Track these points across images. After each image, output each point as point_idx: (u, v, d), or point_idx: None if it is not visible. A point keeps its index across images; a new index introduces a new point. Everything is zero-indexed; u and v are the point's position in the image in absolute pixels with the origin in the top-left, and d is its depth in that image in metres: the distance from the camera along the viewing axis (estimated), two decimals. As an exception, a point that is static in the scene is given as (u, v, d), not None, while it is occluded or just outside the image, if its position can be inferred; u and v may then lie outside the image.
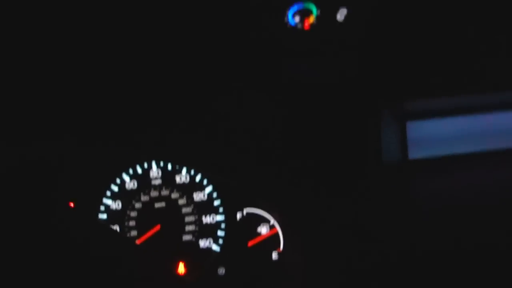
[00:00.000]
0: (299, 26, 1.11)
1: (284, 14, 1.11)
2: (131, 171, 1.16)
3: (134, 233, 1.17)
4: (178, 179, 1.17)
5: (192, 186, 1.17)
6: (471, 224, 1.10)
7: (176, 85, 1.11)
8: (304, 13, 1.09)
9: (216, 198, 1.16)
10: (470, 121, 1.18)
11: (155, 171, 1.16)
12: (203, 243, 1.17)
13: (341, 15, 1.10)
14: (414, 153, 1.19)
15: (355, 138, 1.10)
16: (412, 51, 1.11)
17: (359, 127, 1.11)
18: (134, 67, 1.10)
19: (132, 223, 1.17)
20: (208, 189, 1.16)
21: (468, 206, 1.13)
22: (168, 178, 1.16)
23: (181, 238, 1.17)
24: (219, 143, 1.10)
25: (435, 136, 1.19)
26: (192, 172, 1.16)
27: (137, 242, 1.16)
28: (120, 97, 1.10)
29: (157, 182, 1.16)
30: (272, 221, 1.16)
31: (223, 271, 1.16)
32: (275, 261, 1.16)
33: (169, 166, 1.16)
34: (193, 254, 1.16)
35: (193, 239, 1.17)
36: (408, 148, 1.19)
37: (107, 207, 1.16)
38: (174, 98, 1.10)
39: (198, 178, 1.16)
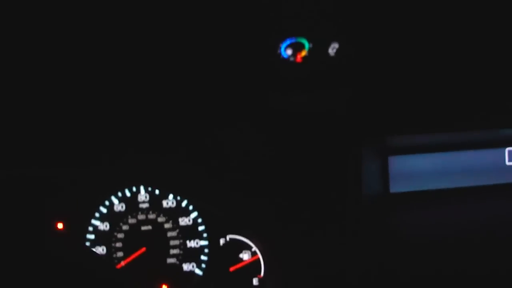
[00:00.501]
0: (291, 59, 1.14)
1: (277, 47, 1.15)
2: (120, 194, 1.20)
3: (120, 254, 1.20)
4: (165, 203, 1.20)
5: (178, 211, 1.20)
6: (450, 258, 1.13)
7: (165, 113, 1.14)
8: (297, 47, 1.13)
9: (201, 224, 1.20)
10: (450, 158, 1.21)
11: (143, 195, 1.20)
12: (186, 266, 1.20)
13: (332, 49, 1.14)
14: (396, 187, 1.22)
15: (336, 171, 1.14)
16: (396, 89, 1.15)
17: (341, 161, 1.14)
18: (123, 92, 1.13)
19: (118, 244, 1.20)
20: (193, 214, 1.20)
21: (448, 240, 1.16)
22: (155, 202, 1.20)
23: (166, 261, 1.20)
24: (204, 171, 1.14)
25: (416, 171, 1.22)
26: (179, 197, 1.20)
27: (123, 263, 1.20)
28: (112, 121, 1.14)
29: (145, 205, 1.20)
30: (254, 248, 1.19)
31: (205, 295, 1.19)
32: (256, 286, 1.19)
33: (157, 191, 1.20)
34: (176, 277, 1.20)
35: (177, 263, 1.20)
36: (390, 182, 1.22)
37: (95, 227, 1.20)
38: (163, 125, 1.14)
39: (184, 203, 1.20)
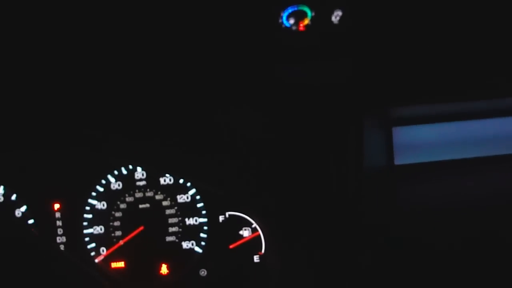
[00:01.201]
0: (294, 28, 1.11)
1: (278, 16, 1.11)
2: (116, 172, 1.18)
3: (118, 233, 1.19)
4: (162, 181, 1.18)
5: (176, 188, 1.18)
6: (455, 228, 1.10)
7: (163, 91, 1.11)
8: (299, 15, 1.09)
9: (199, 201, 1.17)
10: (456, 128, 1.17)
11: (139, 173, 1.18)
12: (185, 244, 1.18)
13: (336, 17, 1.10)
14: (400, 159, 1.19)
15: (338, 143, 1.11)
16: (399, 57, 1.11)
17: (343, 132, 1.11)
18: (124, 72, 1.11)
19: (116, 223, 1.19)
20: (192, 191, 1.17)
21: (453, 211, 1.12)
22: (152, 180, 1.18)
23: (165, 239, 1.18)
24: (202, 148, 1.11)
25: (421, 142, 1.18)
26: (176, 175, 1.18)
27: (121, 242, 1.18)
28: (111, 100, 1.11)
29: (142, 183, 1.18)
30: (254, 224, 1.17)
31: (205, 273, 1.17)
32: (256, 263, 1.17)
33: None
34: (176, 255, 1.18)
35: (176, 241, 1.18)
36: (394, 153, 1.19)
37: (93, 207, 1.19)
38: (160, 103, 1.11)
39: (181, 180, 1.18)
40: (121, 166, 1.18)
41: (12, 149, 1.16)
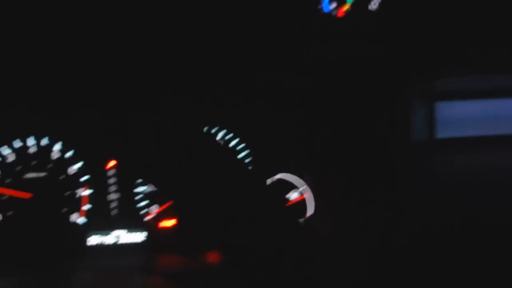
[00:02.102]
0: (334, 13, 1.18)
1: (319, 1, 1.19)
2: (171, 134, 1.24)
3: (170, 193, 1.24)
4: (214, 144, 1.25)
5: (227, 151, 1.24)
6: (494, 201, 1.16)
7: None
8: (339, 1, 1.16)
9: (249, 164, 1.24)
10: (496, 104, 1.24)
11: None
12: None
13: (374, 4, 1.18)
14: (442, 133, 1.24)
15: (386, 115, 1.17)
16: (443, 31, 1.17)
17: (390, 106, 1.18)
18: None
19: (169, 183, 1.24)
20: (242, 155, 1.24)
21: (492, 184, 1.18)
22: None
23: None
24: (255, 112, 1.18)
25: (462, 117, 1.24)
26: (229, 136, 1.24)
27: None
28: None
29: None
30: (300, 188, 1.23)
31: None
32: (302, 225, 1.23)
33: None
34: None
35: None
36: (436, 127, 1.24)
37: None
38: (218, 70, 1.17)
39: (233, 143, 1.24)
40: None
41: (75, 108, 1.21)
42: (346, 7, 1.19)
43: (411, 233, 1.12)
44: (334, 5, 1.18)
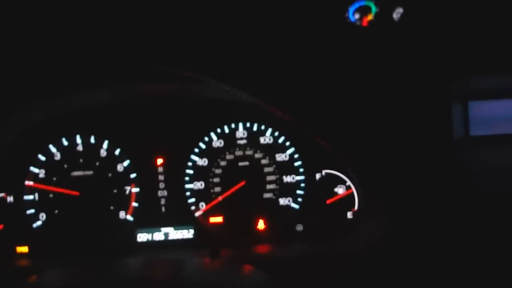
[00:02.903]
0: (358, 23, 1.20)
1: (345, 11, 1.20)
2: (218, 130, 1.24)
3: (217, 189, 1.24)
4: (262, 140, 1.24)
5: (275, 147, 1.24)
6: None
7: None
8: (364, 10, 1.18)
9: (297, 159, 1.24)
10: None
11: (241, 132, 1.24)
12: (282, 201, 1.24)
13: (397, 14, 1.19)
14: (475, 131, 1.27)
15: (428, 113, 1.18)
16: (473, 31, 1.18)
17: (433, 104, 1.19)
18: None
19: (216, 179, 1.24)
20: (290, 150, 1.24)
21: None
22: (253, 138, 1.24)
23: (262, 196, 1.24)
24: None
25: (494, 116, 1.27)
26: (276, 133, 1.24)
27: (220, 198, 1.24)
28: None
29: (243, 142, 1.24)
30: (348, 182, 1.24)
31: (301, 228, 1.24)
32: (350, 220, 1.24)
33: (255, 127, 1.24)
34: (273, 211, 1.24)
35: (273, 197, 1.24)
36: (470, 125, 1.28)
37: (194, 163, 1.24)
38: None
39: (281, 140, 1.24)
40: (224, 125, 1.24)
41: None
42: (369, 17, 1.21)
43: (456, 226, 1.14)
44: (357, 15, 1.20)
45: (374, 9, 1.18)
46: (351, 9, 1.18)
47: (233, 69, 1.05)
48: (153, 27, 1.01)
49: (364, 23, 1.19)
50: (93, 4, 0.98)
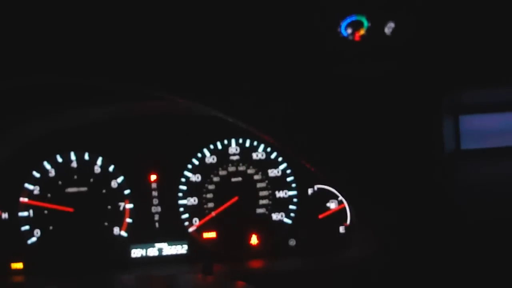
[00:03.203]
0: (350, 37, 1.21)
1: (337, 25, 1.22)
2: (211, 146, 1.25)
3: (211, 204, 1.25)
4: (254, 156, 1.25)
5: (268, 163, 1.25)
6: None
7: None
8: (356, 25, 1.20)
9: (290, 175, 1.25)
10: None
11: (233, 148, 1.25)
12: (275, 216, 1.26)
13: (389, 28, 1.21)
14: (466, 144, 1.29)
15: (418, 127, 1.20)
16: (463, 46, 1.20)
17: (424, 119, 1.20)
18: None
19: (209, 195, 1.25)
20: (283, 166, 1.25)
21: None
22: (245, 154, 1.25)
23: (255, 211, 1.25)
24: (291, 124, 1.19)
25: (485, 129, 1.29)
26: (269, 149, 1.25)
27: (213, 213, 1.25)
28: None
29: (235, 158, 1.25)
30: (340, 197, 1.25)
31: (294, 242, 1.25)
32: (342, 234, 1.25)
33: (247, 143, 1.25)
34: (266, 226, 1.25)
35: (266, 212, 1.25)
36: (461, 139, 1.29)
37: (188, 179, 1.25)
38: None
39: (273, 155, 1.25)
40: (216, 141, 1.25)
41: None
42: (362, 31, 1.23)
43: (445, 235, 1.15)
44: (350, 30, 1.22)
45: (366, 23, 1.20)
46: (343, 24, 1.20)
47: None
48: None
49: (357, 37, 1.22)
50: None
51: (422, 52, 1.23)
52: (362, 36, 1.22)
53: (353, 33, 1.21)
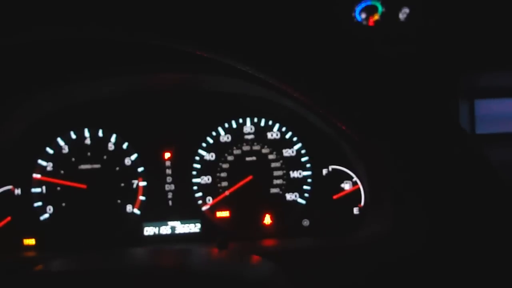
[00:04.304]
0: (364, 22, 1.20)
1: (352, 10, 1.21)
2: (226, 125, 1.24)
3: (224, 183, 1.25)
4: (269, 135, 1.25)
5: (282, 143, 1.25)
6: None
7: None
8: (370, 10, 1.19)
9: (304, 155, 1.24)
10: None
11: (248, 127, 1.24)
12: (289, 196, 1.25)
13: (403, 14, 1.20)
14: (481, 129, 1.28)
15: (437, 111, 1.19)
16: (480, 30, 1.20)
17: (442, 102, 1.20)
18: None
19: (223, 174, 1.25)
20: (297, 146, 1.25)
21: None
22: (260, 134, 1.25)
23: (269, 191, 1.25)
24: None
25: (500, 114, 1.27)
26: (284, 129, 1.25)
27: (227, 192, 1.24)
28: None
29: (250, 137, 1.24)
30: (355, 178, 1.24)
31: (307, 223, 1.24)
32: (356, 215, 1.24)
33: (262, 123, 1.24)
34: (279, 206, 1.25)
35: (280, 192, 1.25)
36: (476, 123, 1.28)
37: (202, 157, 1.24)
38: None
39: (288, 135, 1.25)
40: (231, 120, 1.24)
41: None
42: (376, 16, 1.22)
43: (465, 223, 1.14)
44: (364, 15, 1.22)
45: (380, 9, 1.19)
46: (358, 9, 1.19)
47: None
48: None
49: (371, 22, 1.21)
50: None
51: (436, 36, 1.23)
52: (376, 21, 1.22)
53: (367, 18, 1.20)
